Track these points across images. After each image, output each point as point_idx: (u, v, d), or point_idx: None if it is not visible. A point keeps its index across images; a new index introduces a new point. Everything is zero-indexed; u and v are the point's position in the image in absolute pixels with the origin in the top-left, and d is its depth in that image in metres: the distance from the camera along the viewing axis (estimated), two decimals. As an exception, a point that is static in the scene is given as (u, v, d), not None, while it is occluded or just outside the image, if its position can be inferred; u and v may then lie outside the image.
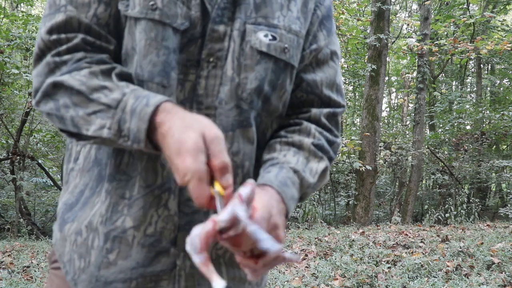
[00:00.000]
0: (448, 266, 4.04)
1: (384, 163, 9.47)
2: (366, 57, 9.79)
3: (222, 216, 0.59)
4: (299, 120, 0.88)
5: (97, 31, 0.76)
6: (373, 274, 3.86)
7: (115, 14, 0.76)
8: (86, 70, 0.72)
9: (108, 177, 0.77)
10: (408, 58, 13.58)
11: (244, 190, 0.62)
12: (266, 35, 0.80)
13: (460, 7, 11.50)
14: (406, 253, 4.67)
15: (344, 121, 14.21)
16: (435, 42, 8.99)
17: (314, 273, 3.97)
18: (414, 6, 15.49)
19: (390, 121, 16.24)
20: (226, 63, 0.77)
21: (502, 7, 12.27)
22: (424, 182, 12.31)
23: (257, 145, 0.84)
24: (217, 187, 0.63)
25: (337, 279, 3.77)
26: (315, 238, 5.56)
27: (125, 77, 0.74)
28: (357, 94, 14.14)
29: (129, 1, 0.76)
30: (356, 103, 14.40)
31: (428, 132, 12.97)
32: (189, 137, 0.62)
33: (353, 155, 9.29)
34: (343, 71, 10.51)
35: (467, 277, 3.73)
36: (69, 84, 0.71)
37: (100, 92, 0.70)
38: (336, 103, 0.91)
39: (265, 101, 0.81)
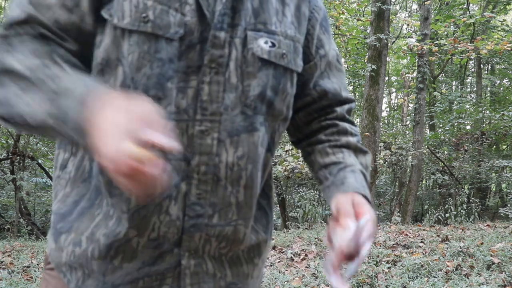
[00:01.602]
0: (448, 266, 4.04)
1: (384, 163, 9.46)
2: (366, 57, 9.78)
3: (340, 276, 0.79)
4: (331, 121, 0.97)
5: (57, 32, 0.75)
6: (373, 274, 3.86)
7: (77, 22, 0.75)
8: (30, 52, 0.71)
9: (108, 193, 0.77)
10: (408, 58, 13.58)
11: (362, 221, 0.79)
12: (266, 42, 0.80)
13: (460, 7, 11.50)
14: (406, 253, 4.67)
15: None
16: (435, 42, 8.99)
17: (314, 273, 3.97)
18: (414, 6, 15.49)
19: (390, 121, 16.24)
20: (230, 71, 0.77)
21: (502, 7, 12.28)
22: (424, 182, 12.31)
23: (268, 149, 0.86)
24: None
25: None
26: (315, 238, 5.56)
27: (67, 60, 0.73)
28: (357, 94, 14.14)
29: (111, 10, 0.74)
30: (356, 103, 14.39)
31: (428, 132, 12.97)
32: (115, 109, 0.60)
33: (353, 155, 9.27)
34: (343, 71, 10.50)
35: (467, 277, 3.73)
36: (13, 68, 0.69)
37: (44, 75, 0.68)
38: (351, 100, 1.00)
39: (269, 105, 0.82)
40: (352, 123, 0.99)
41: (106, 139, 0.58)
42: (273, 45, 0.81)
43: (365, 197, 0.86)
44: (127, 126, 0.58)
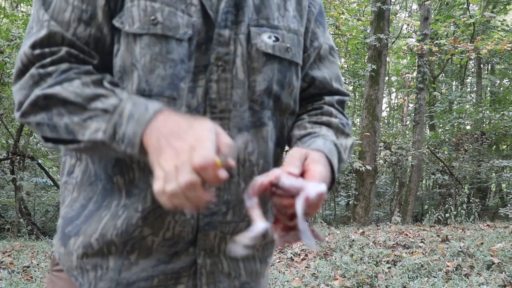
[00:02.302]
0: (448, 266, 4.04)
1: (384, 163, 9.47)
2: (366, 57, 9.78)
3: (285, 180, 0.67)
4: (317, 105, 0.94)
5: (80, 46, 0.75)
6: (373, 274, 3.86)
7: (95, 34, 0.76)
8: (78, 81, 0.71)
9: (126, 193, 0.78)
10: (408, 58, 13.58)
11: (315, 192, 0.68)
12: (269, 37, 0.81)
13: (460, 7, 11.49)
14: (406, 253, 4.67)
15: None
16: (435, 42, 8.99)
17: (314, 273, 3.97)
18: (414, 6, 15.49)
19: (390, 121, 16.24)
20: (236, 67, 0.78)
21: (502, 7, 12.27)
22: (424, 182, 12.31)
23: (277, 143, 0.86)
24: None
25: (337, 279, 3.77)
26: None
27: (116, 86, 0.74)
28: (357, 94, 14.13)
29: (122, 18, 0.75)
30: (356, 103, 14.39)
31: (428, 132, 12.96)
32: (206, 128, 0.63)
33: (353, 155, 9.29)
34: (343, 71, 10.51)
35: (467, 277, 3.73)
36: (62, 96, 0.70)
37: (97, 100, 0.70)
38: (343, 93, 0.97)
39: (276, 100, 0.83)
40: (342, 113, 0.95)
41: (204, 143, 0.61)
42: (277, 39, 0.82)
43: (328, 159, 0.79)
44: (211, 139, 0.62)
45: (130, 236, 0.78)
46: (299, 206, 0.66)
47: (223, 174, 0.61)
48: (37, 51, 0.74)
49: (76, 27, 0.74)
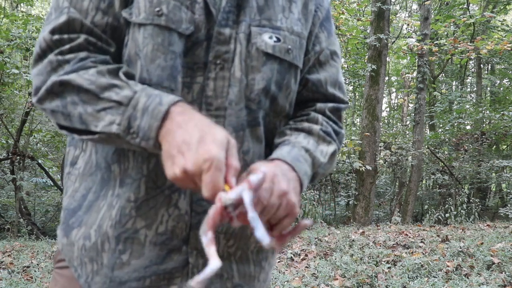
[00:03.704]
0: (448, 266, 4.04)
1: (384, 163, 9.47)
2: (366, 57, 9.78)
3: (229, 195, 0.63)
4: (306, 111, 0.91)
5: (99, 34, 0.77)
6: (373, 274, 3.86)
7: (111, 23, 0.77)
8: (94, 70, 0.73)
9: (119, 182, 0.78)
10: (408, 58, 13.58)
11: (255, 177, 0.64)
12: (270, 37, 0.81)
13: (460, 7, 11.49)
14: (406, 253, 4.67)
15: (344, 121, 14.16)
16: (435, 42, 8.99)
17: (314, 273, 3.97)
18: (414, 6, 15.49)
19: (390, 121, 16.24)
20: (234, 65, 0.79)
21: (502, 7, 12.27)
22: (424, 182, 12.30)
23: (266, 144, 0.86)
24: (226, 187, 0.65)
25: (337, 279, 3.77)
26: (315, 238, 5.56)
27: (131, 77, 0.75)
28: (357, 94, 14.13)
29: (131, 9, 0.77)
30: (356, 103, 14.39)
31: (428, 132, 12.96)
32: (219, 131, 0.66)
33: (353, 155, 9.29)
34: (343, 71, 10.51)
35: (467, 277, 3.73)
36: (77, 83, 0.71)
37: (111, 90, 0.71)
38: (340, 99, 0.94)
39: (272, 100, 0.83)
40: (334, 122, 0.92)
41: (207, 143, 0.64)
42: (278, 40, 0.82)
43: (291, 166, 0.77)
44: (226, 140, 0.65)
45: (123, 228, 0.78)
46: (246, 196, 0.63)
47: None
48: (56, 37, 0.75)
49: (94, 15, 0.76)
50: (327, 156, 0.87)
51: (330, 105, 0.92)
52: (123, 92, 0.70)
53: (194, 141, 0.64)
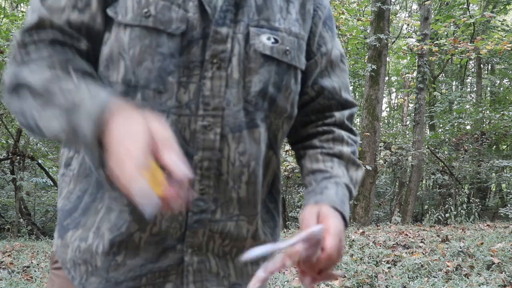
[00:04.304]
0: (448, 266, 4.04)
1: (384, 163, 9.46)
2: (366, 57, 9.78)
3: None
4: (328, 127, 0.93)
5: (69, 32, 0.76)
6: (373, 274, 3.86)
7: (87, 22, 0.77)
8: (45, 63, 0.73)
9: (111, 187, 0.78)
10: (408, 58, 13.58)
11: (316, 228, 0.72)
12: (268, 38, 0.80)
13: (460, 7, 11.50)
14: (406, 253, 4.67)
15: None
16: (435, 42, 8.99)
17: (314, 273, 3.97)
18: (414, 6, 15.49)
19: (390, 121, 16.24)
20: (232, 66, 0.78)
21: (502, 7, 12.27)
22: (424, 182, 12.31)
23: (269, 146, 0.85)
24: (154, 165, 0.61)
25: (337, 279, 3.77)
26: (315, 238, 5.55)
27: (80, 72, 0.74)
28: (357, 94, 14.13)
29: (117, 8, 0.76)
30: (356, 103, 14.38)
31: (428, 132, 12.97)
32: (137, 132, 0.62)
33: (353, 155, 9.27)
34: (343, 71, 10.49)
35: (467, 277, 3.73)
36: (28, 81, 0.72)
37: (54, 82, 0.70)
38: (352, 104, 0.96)
39: (271, 102, 0.82)
40: (351, 131, 0.95)
41: (120, 163, 0.60)
42: (276, 41, 0.81)
43: (340, 212, 0.82)
44: (139, 149, 0.60)
45: (118, 231, 0.77)
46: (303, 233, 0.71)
47: (169, 192, 0.60)
48: (25, 36, 0.76)
49: (69, 14, 0.76)
50: (357, 184, 0.91)
51: (347, 113, 0.94)
52: (67, 85, 0.70)
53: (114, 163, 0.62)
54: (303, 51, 0.87)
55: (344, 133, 0.93)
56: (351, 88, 12.35)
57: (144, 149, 0.60)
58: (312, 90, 0.91)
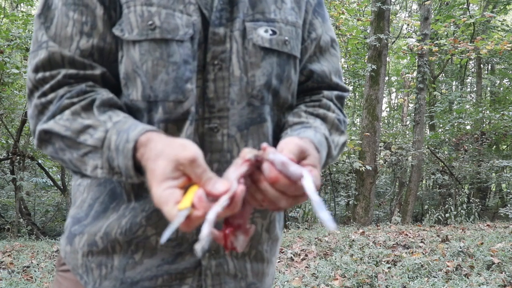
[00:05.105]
0: (448, 266, 4.04)
1: (384, 163, 9.46)
2: (366, 57, 9.78)
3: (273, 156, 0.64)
4: (316, 97, 0.90)
5: (81, 61, 0.75)
6: (373, 274, 3.86)
7: (97, 44, 0.76)
8: (68, 111, 0.72)
9: (135, 197, 0.78)
10: (408, 58, 13.58)
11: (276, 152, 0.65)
12: (266, 31, 0.80)
13: (460, 7, 11.49)
14: (406, 253, 4.67)
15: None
16: (435, 42, 8.99)
17: (314, 273, 3.97)
18: (414, 6, 15.49)
19: (390, 121, 16.24)
20: (232, 64, 0.77)
21: (502, 7, 12.26)
22: (424, 182, 12.30)
23: (276, 138, 0.85)
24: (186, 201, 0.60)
25: (337, 279, 3.77)
26: (315, 238, 5.56)
27: (108, 105, 0.74)
28: (357, 94, 14.13)
29: (122, 25, 0.75)
30: (356, 103, 14.39)
31: (428, 132, 12.96)
32: (158, 166, 0.62)
33: (353, 155, 9.29)
34: (343, 71, 10.51)
35: (467, 277, 3.73)
36: (55, 131, 0.72)
37: (85, 133, 0.70)
38: (343, 88, 0.94)
39: (274, 94, 0.82)
40: (340, 109, 0.91)
41: (156, 189, 0.60)
42: (274, 32, 0.81)
43: (316, 148, 0.74)
44: (165, 171, 0.60)
45: (134, 235, 0.78)
46: (307, 182, 0.61)
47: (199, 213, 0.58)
48: (39, 75, 0.75)
49: (78, 40, 0.75)
50: (338, 148, 0.87)
51: (336, 93, 0.92)
52: (97, 133, 0.69)
53: (149, 184, 0.63)
54: (300, 40, 0.87)
55: (332, 104, 0.89)
56: (350, 88, 12.29)
57: (175, 189, 0.60)
58: (302, 75, 0.90)
